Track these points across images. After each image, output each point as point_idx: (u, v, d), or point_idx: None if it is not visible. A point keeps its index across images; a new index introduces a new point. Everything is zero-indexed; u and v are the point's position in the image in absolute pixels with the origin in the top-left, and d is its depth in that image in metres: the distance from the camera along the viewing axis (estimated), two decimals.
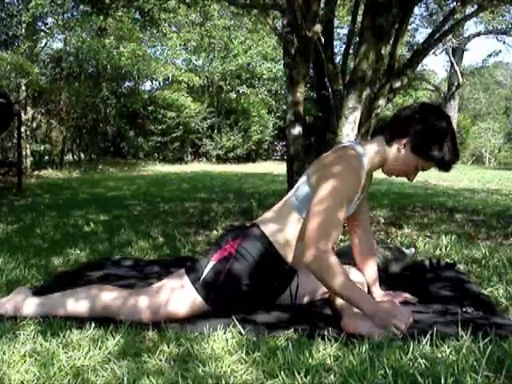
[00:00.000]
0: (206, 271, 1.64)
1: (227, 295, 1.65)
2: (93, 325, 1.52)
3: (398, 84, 3.91)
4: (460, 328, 1.42)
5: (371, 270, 1.86)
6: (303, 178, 1.73)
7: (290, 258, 1.69)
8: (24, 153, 9.69)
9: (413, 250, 2.48)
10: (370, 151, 1.70)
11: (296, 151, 3.77)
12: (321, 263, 1.51)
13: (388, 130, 1.71)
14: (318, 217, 1.54)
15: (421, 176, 2.43)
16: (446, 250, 2.82)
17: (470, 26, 54.16)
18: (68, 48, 12.57)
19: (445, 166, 1.65)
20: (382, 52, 3.47)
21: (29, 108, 11.23)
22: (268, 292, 1.74)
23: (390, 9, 3.29)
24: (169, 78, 16.82)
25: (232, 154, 17.26)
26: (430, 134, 1.62)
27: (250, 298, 1.69)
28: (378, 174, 1.89)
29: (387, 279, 2.01)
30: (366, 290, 1.81)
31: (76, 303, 1.64)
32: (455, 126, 15.48)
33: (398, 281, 2.12)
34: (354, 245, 1.91)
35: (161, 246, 2.97)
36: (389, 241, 3.14)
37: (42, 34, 11.69)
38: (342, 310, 1.62)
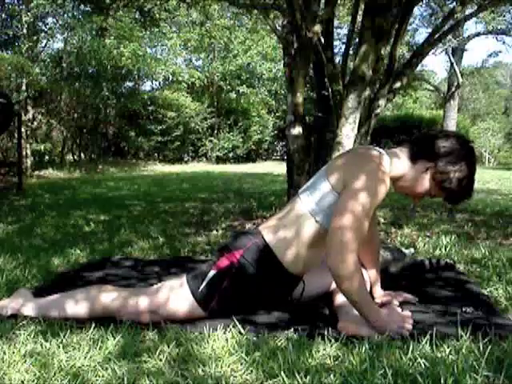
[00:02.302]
0: (206, 280, 1.61)
1: (226, 306, 1.62)
2: (93, 325, 1.52)
3: (397, 84, 3.90)
4: (460, 328, 1.42)
5: (374, 269, 1.87)
6: (319, 179, 1.64)
7: (294, 266, 1.63)
8: (24, 153, 9.69)
9: (412, 250, 2.48)
10: (395, 159, 1.65)
11: (296, 151, 3.77)
12: (346, 267, 1.45)
13: (417, 146, 1.67)
14: (347, 221, 1.47)
15: None
16: (445, 250, 2.82)
17: (470, 26, 54.22)
18: (68, 48, 12.57)
19: (455, 200, 1.70)
20: (382, 52, 3.48)
21: (29, 108, 11.23)
22: (269, 302, 1.71)
23: (389, 9, 3.29)
24: (169, 77, 16.83)
25: (232, 154, 17.28)
26: (456, 171, 1.59)
27: (249, 308, 1.67)
28: None
29: (387, 279, 2.01)
30: (368, 289, 1.81)
31: (76, 304, 1.64)
32: (455, 126, 15.51)
33: (398, 281, 2.12)
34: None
35: (161, 246, 2.97)
36: (389, 241, 3.15)
37: (43, 34, 11.70)
38: (339, 311, 1.61)
